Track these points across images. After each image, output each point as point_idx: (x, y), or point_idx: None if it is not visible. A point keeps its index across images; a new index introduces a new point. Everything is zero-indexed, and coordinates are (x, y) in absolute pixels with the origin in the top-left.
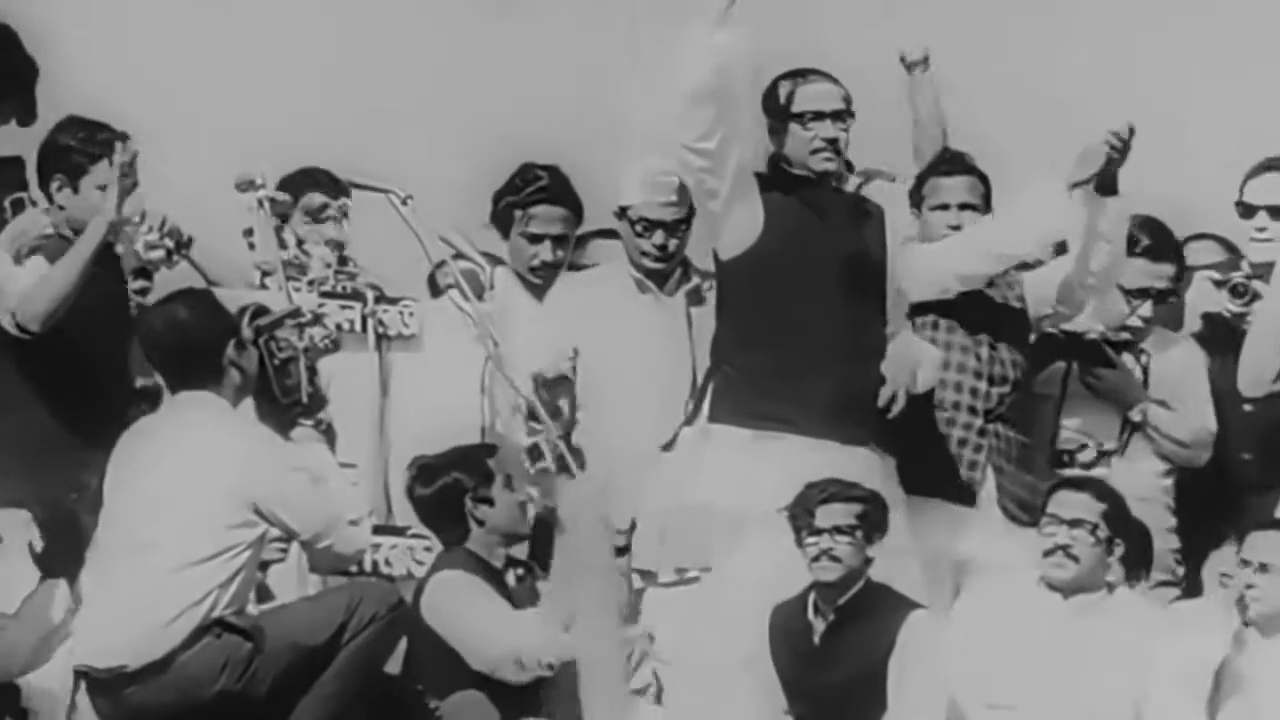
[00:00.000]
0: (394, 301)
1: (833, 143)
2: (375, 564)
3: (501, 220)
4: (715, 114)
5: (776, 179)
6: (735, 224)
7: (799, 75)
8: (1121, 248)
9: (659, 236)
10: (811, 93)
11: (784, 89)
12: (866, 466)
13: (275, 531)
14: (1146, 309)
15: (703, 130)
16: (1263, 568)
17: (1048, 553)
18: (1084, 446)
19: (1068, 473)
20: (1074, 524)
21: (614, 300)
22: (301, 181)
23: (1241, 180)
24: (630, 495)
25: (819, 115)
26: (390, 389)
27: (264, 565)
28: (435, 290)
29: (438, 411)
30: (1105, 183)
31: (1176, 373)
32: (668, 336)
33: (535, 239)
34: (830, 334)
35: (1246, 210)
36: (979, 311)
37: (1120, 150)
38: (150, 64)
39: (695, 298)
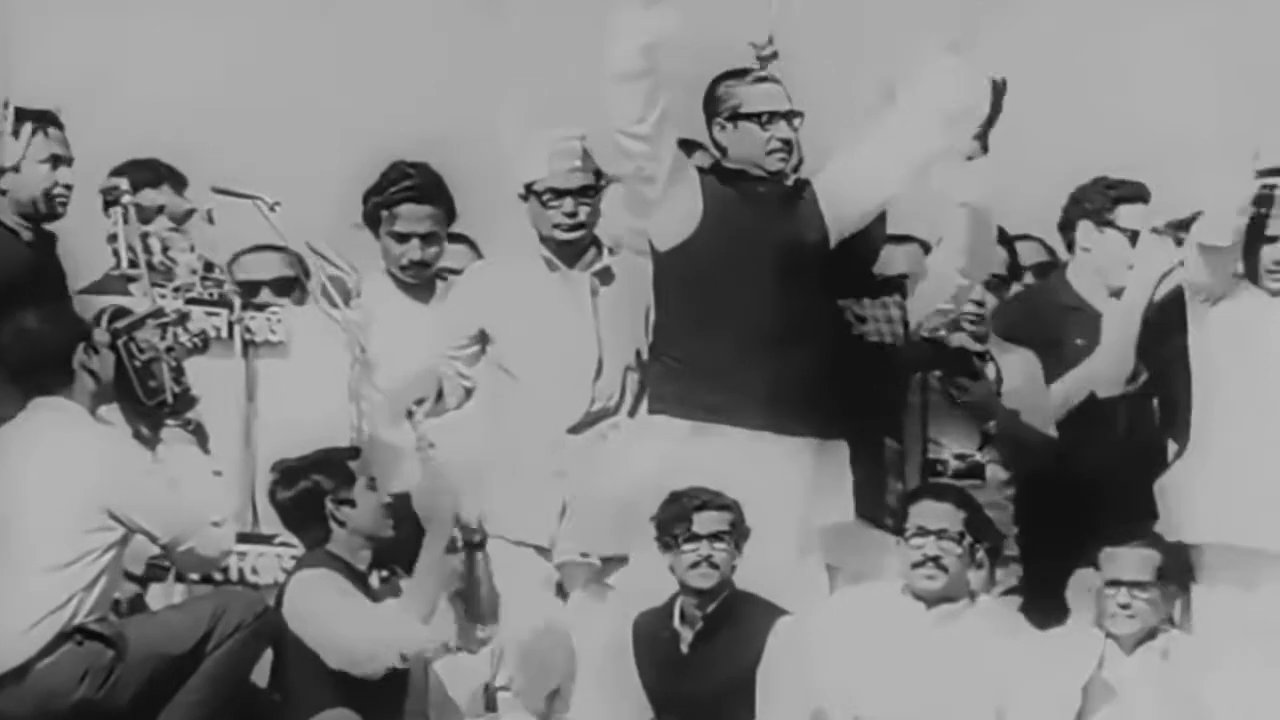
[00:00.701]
0: (261, 308)
1: (787, 143)
2: (242, 572)
3: (371, 220)
4: (647, 95)
5: (716, 172)
6: (673, 212)
7: (742, 75)
8: (991, 226)
9: (568, 204)
10: (762, 93)
11: (729, 88)
12: (805, 457)
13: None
14: (978, 292)
15: (636, 113)
16: (1135, 585)
17: (917, 564)
18: (960, 456)
19: (940, 482)
20: (941, 534)
21: (523, 282)
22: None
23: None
24: (524, 482)
25: (775, 116)
26: (257, 396)
27: (144, 580)
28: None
29: (305, 419)
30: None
31: (1017, 381)
32: (574, 315)
33: (402, 238)
34: (768, 324)
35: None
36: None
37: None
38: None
39: (605, 276)
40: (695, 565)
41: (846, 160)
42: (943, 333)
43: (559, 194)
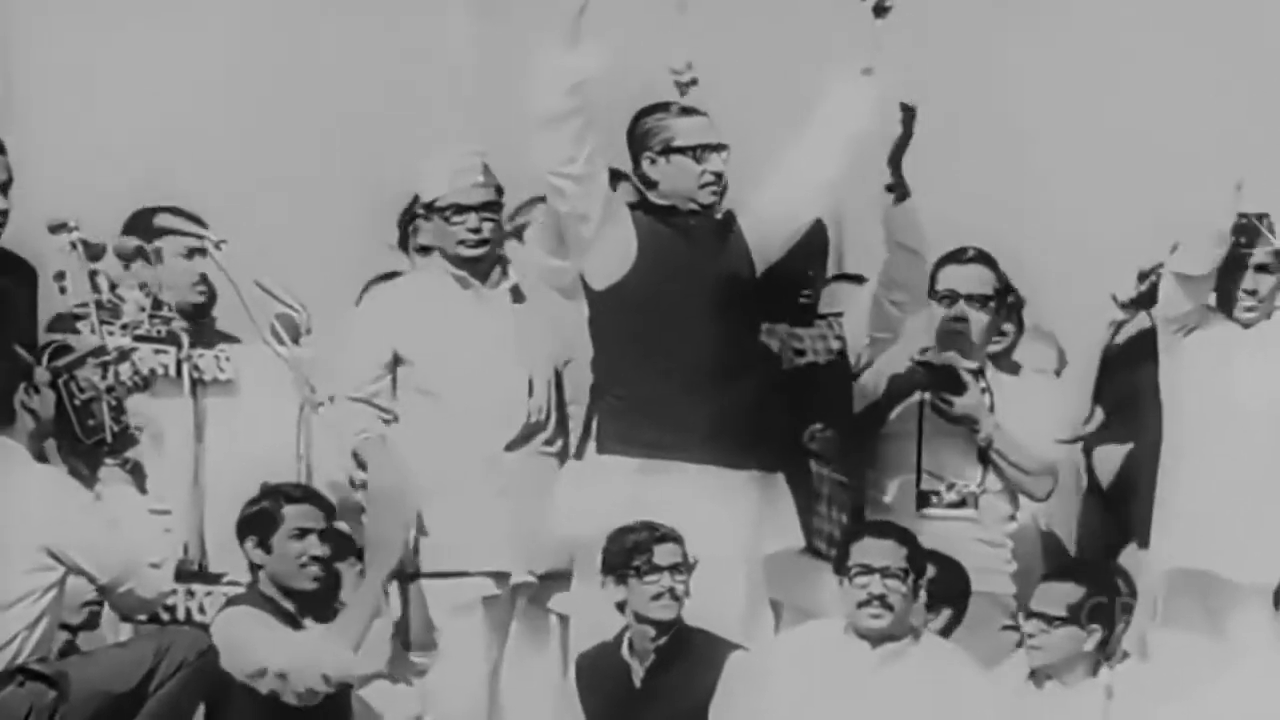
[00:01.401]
0: (210, 346)
1: (719, 176)
2: (189, 611)
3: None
4: (575, 135)
5: (644, 207)
6: (607, 250)
7: (665, 108)
8: (923, 253)
9: (472, 220)
10: (694, 126)
11: (658, 121)
12: (751, 489)
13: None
14: (960, 308)
15: (565, 153)
16: (1045, 620)
17: (863, 603)
18: (951, 486)
19: (930, 513)
20: (885, 572)
21: (434, 301)
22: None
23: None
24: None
25: (707, 148)
26: (205, 435)
27: (74, 629)
28: None
29: (254, 457)
30: (898, 187)
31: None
32: (494, 332)
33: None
34: (707, 358)
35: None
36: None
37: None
38: None
39: (517, 294)
40: (658, 597)
41: (764, 190)
42: (929, 356)
43: (462, 210)
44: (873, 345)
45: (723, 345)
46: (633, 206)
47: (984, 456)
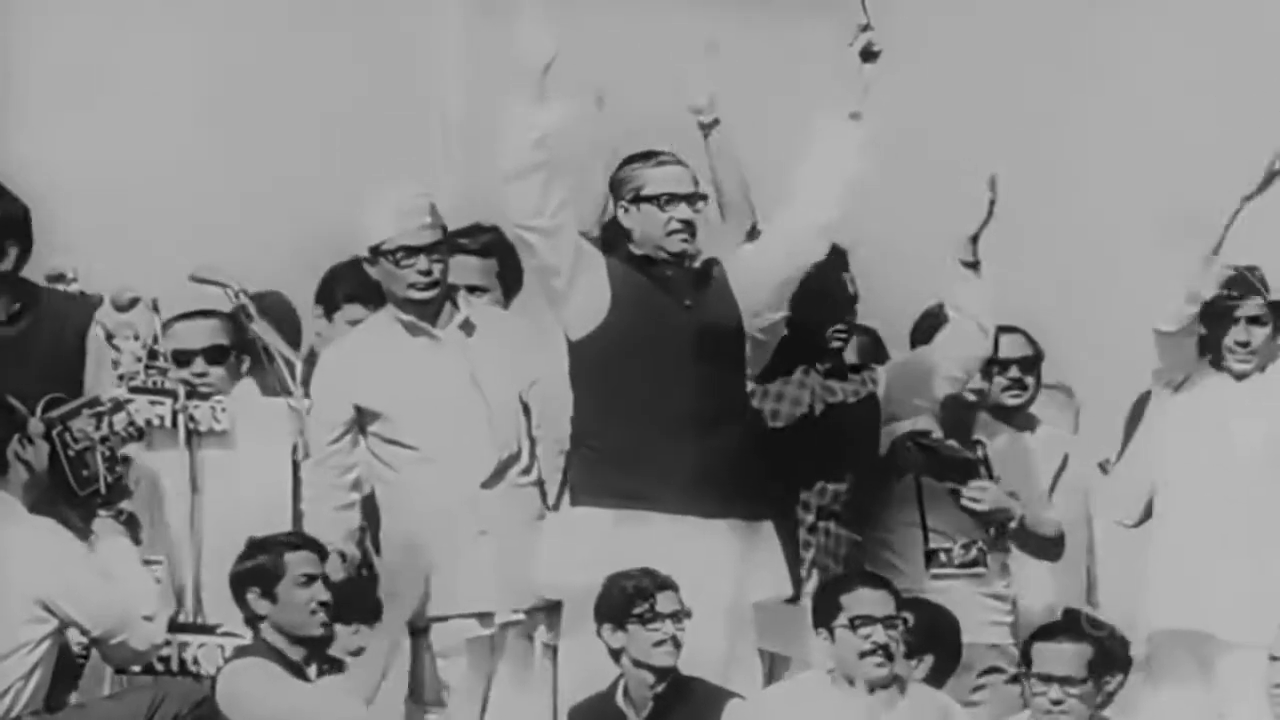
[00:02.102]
0: (205, 397)
1: (688, 224)
2: (184, 662)
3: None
4: (542, 189)
5: (621, 256)
6: (581, 301)
7: (648, 157)
8: (989, 329)
9: (422, 263)
10: (664, 175)
11: (633, 170)
12: (730, 539)
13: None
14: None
15: (531, 206)
16: (1065, 681)
17: (866, 653)
18: (966, 545)
19: (940, 572)
20: (887, 622)
21: (388, 351)
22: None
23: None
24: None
25: (674, 198)
26: (202, 485)
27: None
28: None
29: (250, 508)
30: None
31: (1012, 464)
32: (451, 371)
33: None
34: (685, 407)
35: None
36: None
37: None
38: None
39: (468, 329)
40: (660, 644)
41: (756, 238)
42: (932, 438)
43: (412, 252)
44: (905, 407)
45: (698, 393)
46: (613, 256)
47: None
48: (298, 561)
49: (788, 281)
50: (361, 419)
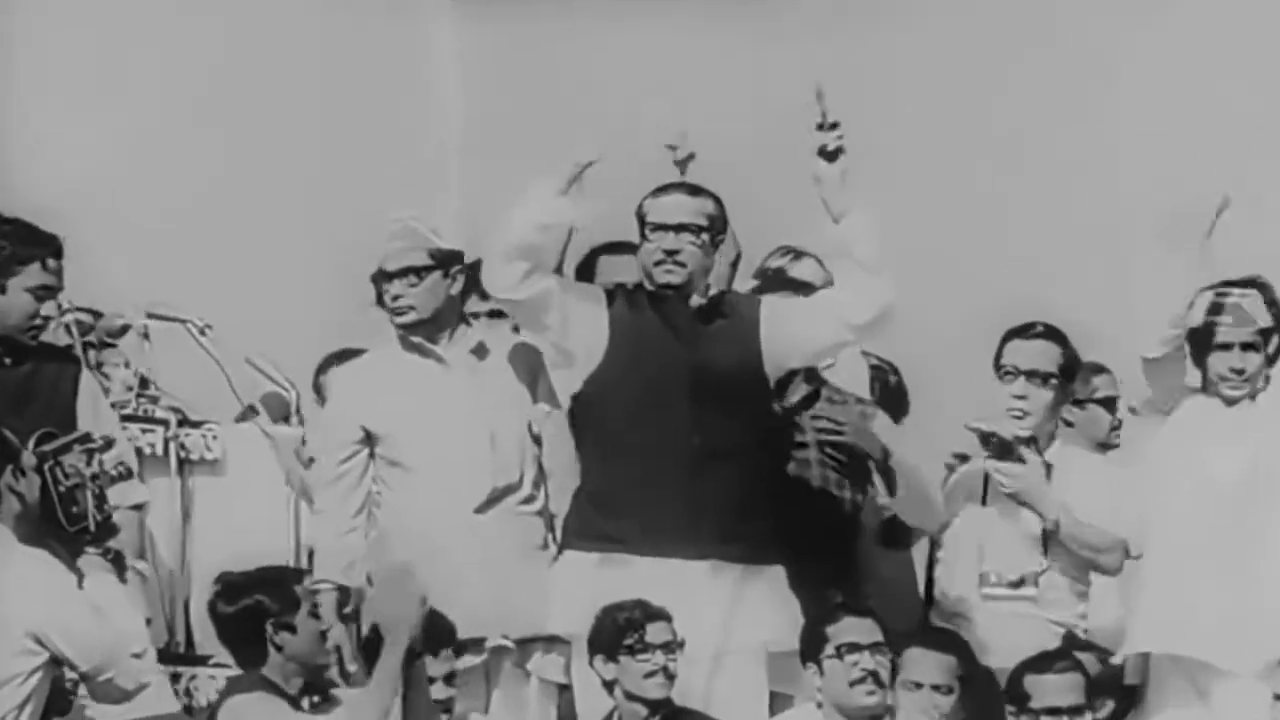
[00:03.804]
0: (197, 425)
1: (672, 254)
2: (177, 694)
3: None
4: (525, 271)
5: (626, 295)
6: (575, 348)
7: (662, 189)
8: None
9: (395, 288)
10: (660, 205)
11: (644, 201)
12: (719, 581)
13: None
14: (1020, 386)
15: (510, 284)
16: (1072, 712)
17: (857, 681)
18: (1012, 567)
19: (989, 592)
20: (875, 648)
21: (393, 374)
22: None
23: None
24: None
25: (661, 227)
26: (193, 514)
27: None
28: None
29: (242, 538)
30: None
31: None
32: (458, 395)
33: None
34: (674, 447)
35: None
36: None
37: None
38: None
39: (480, 353)
40: (651, 675)
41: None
42: (985, 427)
43: (389, 277)
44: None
45: (690, 433)
46: (612, 294)
47: (1046, 536)
48: (307, 591)
49: (825, 354)
50: (370, 441)
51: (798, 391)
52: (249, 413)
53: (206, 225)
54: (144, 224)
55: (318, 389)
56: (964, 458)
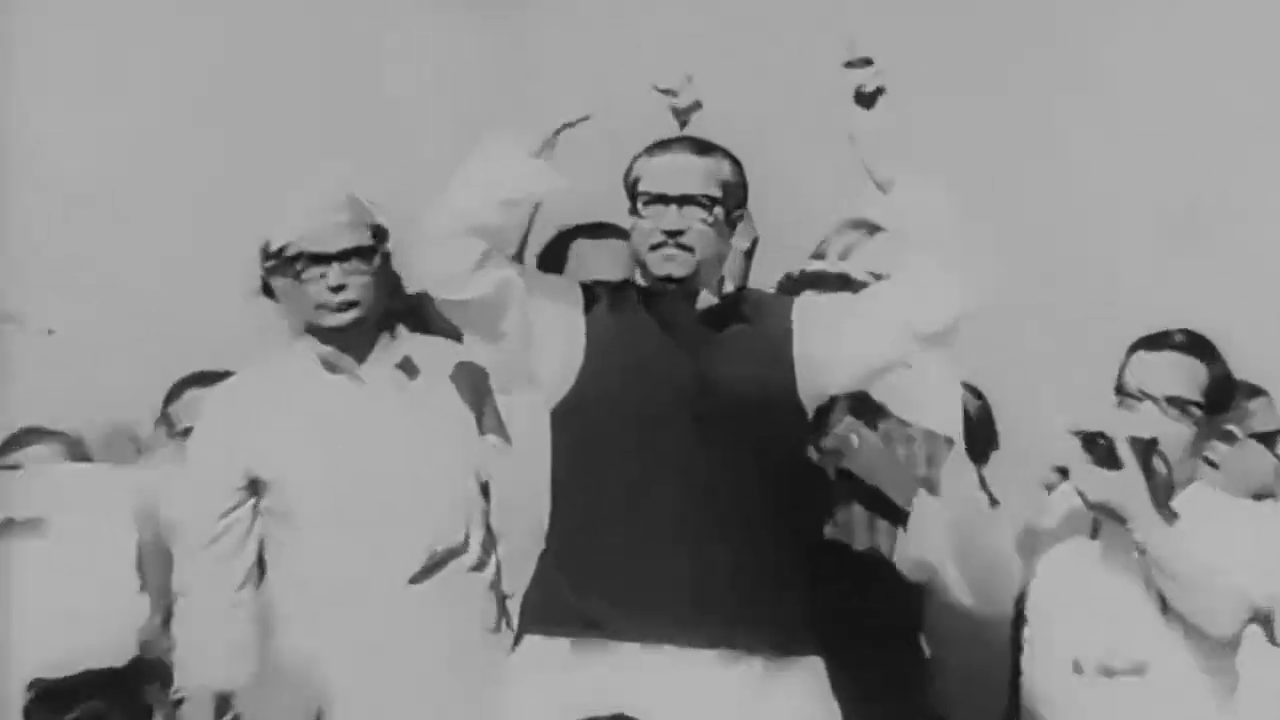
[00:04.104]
0: (13, 468)
1: (675, 235)
2: None
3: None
4: (478, 259)
5: (610, 293)
6: (544, 366)
7: (660, 146)
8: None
9: (332, 274)
10: (658, 167)
11: (635, 162)
12: (733, 678)
13: None
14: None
15: (458, 276)
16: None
17: None
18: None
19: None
20: None
21: (287, 403)
22: None
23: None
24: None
25: (659, 198)
26: (8, 591)
27: None
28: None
29: (73, 623)
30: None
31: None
32: (373, 432)
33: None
34: (673, 499)
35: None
36: None
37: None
38: None
39: (409, 370)
40: None
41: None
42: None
43: (317, 260)
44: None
45: (693, 478)
46: (591, 292)
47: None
48: (165, 699)
49: (881, 372)
50: (255, 490)
51: (844, 427)
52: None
53: (207, 224)
54: (144, 224)
55: (168, 421)
56: (1065, 473)
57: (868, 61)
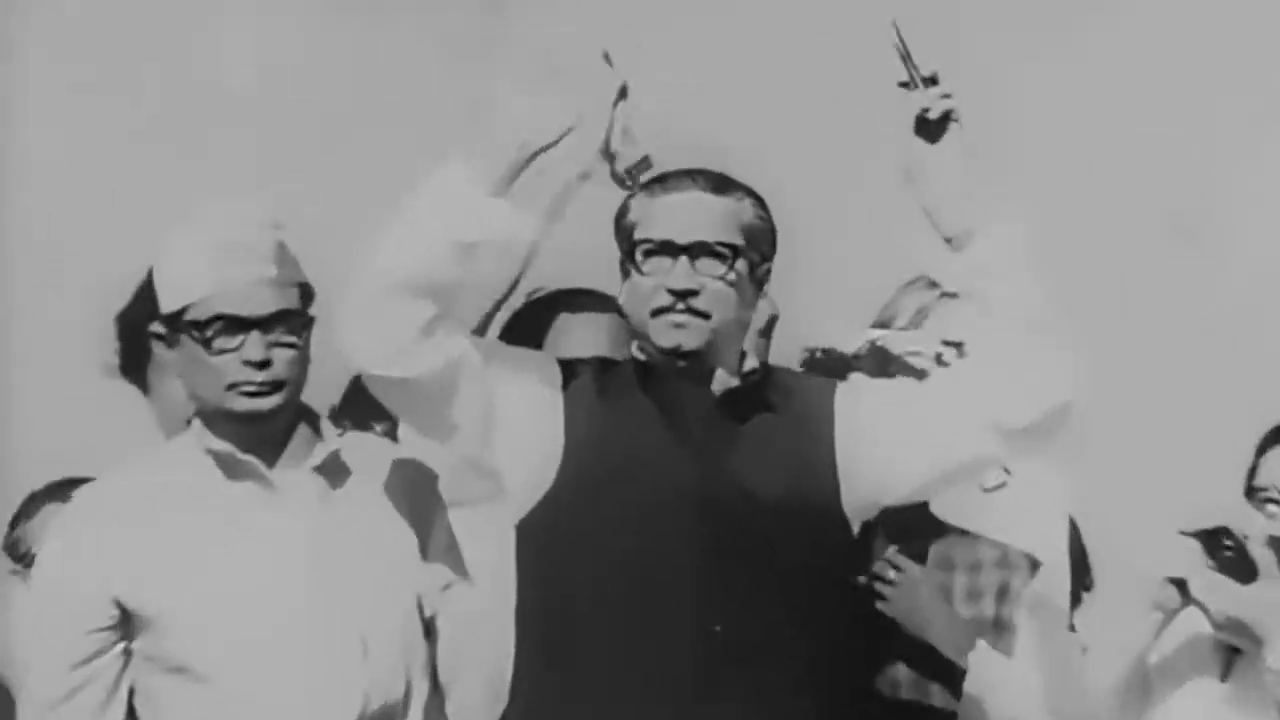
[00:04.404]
0: None
1: (686, 296)
2: None
3: None
4: (425, 324)
5: (596, 372)
6: (511, 465)
7: (665, 181)
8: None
9: (252, 345)
10: (664, 208)
11: (633, 203)
12: None
13: None
14: None
15: (395, 348)
16: None
17: None
18: None
19: None
20: None
21: (179, 503)
22: None
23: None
24: None
25: (664, 248)
26: None
27: None
28: None
29: None
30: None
31: None
32: (288, 555)
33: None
34: (676, 643)
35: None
36: None
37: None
38: None
39: (333, 474)
40: None
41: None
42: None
43: (236, 325)
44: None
45: (711, 618)
46: (570, 369)
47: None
48: None
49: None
50: (128, 628)
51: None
52: None
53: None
54: (143, 225)
55: (13, 550)
56: (1182, 585)
57: (933, 80)
